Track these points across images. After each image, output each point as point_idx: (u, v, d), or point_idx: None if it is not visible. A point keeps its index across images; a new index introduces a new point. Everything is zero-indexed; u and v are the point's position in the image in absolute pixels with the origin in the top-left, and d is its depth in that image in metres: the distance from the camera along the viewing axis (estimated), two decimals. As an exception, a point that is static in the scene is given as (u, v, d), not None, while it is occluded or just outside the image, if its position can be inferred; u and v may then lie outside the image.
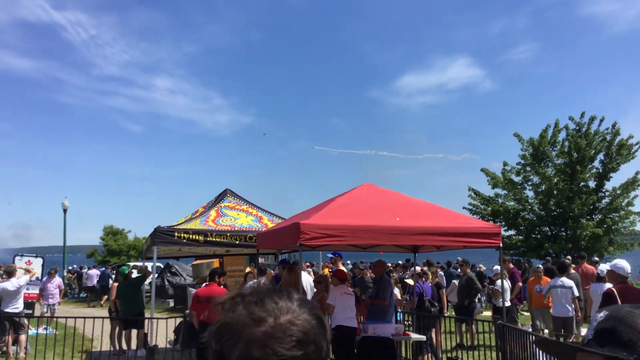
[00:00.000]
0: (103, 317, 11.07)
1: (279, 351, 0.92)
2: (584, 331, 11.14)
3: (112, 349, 12.14)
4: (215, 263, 19.61)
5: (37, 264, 22.48)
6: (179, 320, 12.08)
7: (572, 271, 12.94)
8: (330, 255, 14.45)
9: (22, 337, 11.95)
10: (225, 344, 0.94)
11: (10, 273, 12.12)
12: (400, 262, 22.60)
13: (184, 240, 11.43)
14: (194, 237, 11.46)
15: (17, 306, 11.93)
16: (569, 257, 18.34)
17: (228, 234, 11.70)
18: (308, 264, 19.63)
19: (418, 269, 12.96)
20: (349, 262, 27.44)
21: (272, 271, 18.76)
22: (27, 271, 13.14)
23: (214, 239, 11.58)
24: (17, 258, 21.96)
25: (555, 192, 23.78)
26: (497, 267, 14.96)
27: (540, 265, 11.44)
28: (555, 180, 23.91)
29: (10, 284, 11.75)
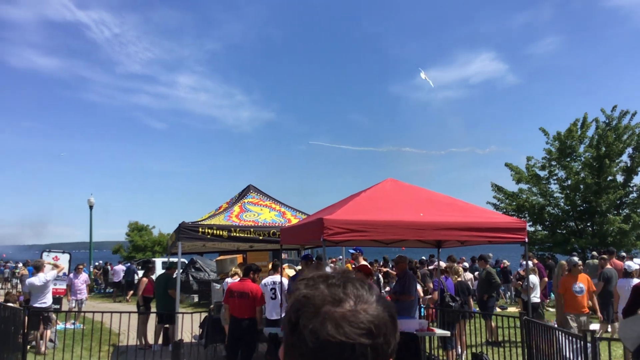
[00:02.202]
0: (130, 312, 11.22)
1: (350, 334, 0.97)
2: (593, 326, 10.93)
3: (138, 343, 12.32)
4: (239, 259, 19.75)
5: (64, 260, 22.88)
6: (203, 315, 12.20)
7: (608, 266, 12.77)
8: (351, 251, 14.46)
9: (47, 332, 12.17)
10: (303, 316, 1.01)
11: (38, 268, 12.34)
12: (423, 257, 22.53)
13: (208, 236, 11.51)
14: (218, 232, 11.54)
15: (45, 301, 12.14)
16: (594, 252, 18.07)
17: (251, 230, 11.76)
18: (334, 259, 19.63)
19: (442, 264, 12.91)
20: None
21: (294, 266, 18.85)
22: (55, 266, 13.38)
23: (237, 235, 11.65)
24: (44, 254, 22.40)
25: (581, 186, 23.42)
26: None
27: (575, 258, 10.86)
28: (582, 174, 23.56)
29: (37, 279, 11.97)
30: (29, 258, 50.35)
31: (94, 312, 11.58)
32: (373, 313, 1.01)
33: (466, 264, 15.60)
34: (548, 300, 16.32)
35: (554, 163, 25.01)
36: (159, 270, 29.18)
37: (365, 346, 0.97)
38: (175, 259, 13.58)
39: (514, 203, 25.27)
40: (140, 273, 28.19)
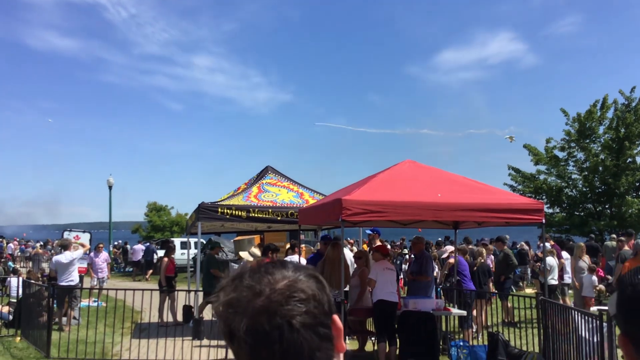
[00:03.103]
0: (151, 290, 11.46)
1: (283, 313, 0.97)
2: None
3: (159, 320, 12.60)
4: (257, 239, 19.97)
5: (85, 239, 23.31)
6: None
7: (626, 248, 12.72)
8: (368, 231, 14.55)
9: (71, 311, 12.48)
10: (232, 321, 0.99)
11: (65, 247, 12.63)
12: (439, 239, 22.59)
13: (227, 216, 11.67)
14: (236, 212, 11.70)
15: (72, 279, 12.44)
16: (613, 235, 17.99)
17: (270, 210, 11.89)
18: (352, 241, 19.75)
19: (448, 247, 12.95)
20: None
21: (310, 247, 19.01)
22: (82, 245, 13.66)
23: (256, 215, 11.79)
24: (65, 233, 22.84)
25: (600, 168, 23.23)
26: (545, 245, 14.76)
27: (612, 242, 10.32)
28: (602, 156, 23.35)
29: (64, 257, 12.26)
30: (49, 237, 51.30)
31: (116, 289, 11.83)
32: (295, 284, 1.01)
33: (491, 247, 15.56)
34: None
35: (573, 145, 24.79)
36: (179, 250, 29.65)
37: (302, 314, 0.98)
38: (216, 239, 13.97)
39: (532, 185, 25.14)
40: (160, 252, 28.66)
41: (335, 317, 1.05)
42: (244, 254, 11.80)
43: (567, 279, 13.40)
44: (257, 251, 11.66)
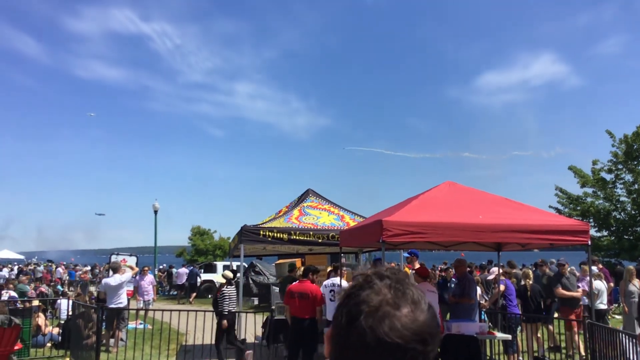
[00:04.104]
0: (197, 311, 11.65)
1: (406, 337, 1.01)
2: None
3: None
4: (298, 262, 20.05)
5: (131, 262, 23.79)
6: (265, 315, 12.50)
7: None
8: (405, 254, 14.44)
9: (119, 331, 12.76)
10: (364, 312, 1.04)
11: (115, 269, 12.99)
12: (483, 262, 22.24)
13: (269, 239, 11.81)
14: (278, 235, 11.83)
15: (121, 301, 12.75)
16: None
17: (311, 233, 11.98)
18: (393, 264, 19.63)
19: (495, 269, 12.73)
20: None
21: (351, 270, 18.96)
22: (131, 268, 14.01)
23: (297, 237, 11.89)
24: (113, 256, 23.40)
25: (650, 190, 22.56)
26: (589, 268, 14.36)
27: None
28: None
29: (113, 280, 12.59)
30: (96, 262, 52.56)
31: (162, 310, 12.07)
32: (427, 321, 1.05)
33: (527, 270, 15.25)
34: (614, 307, 15.81)
35: (620, 166, 24.18)
36: (220, 272, 29.92)
37: (418, 352, 1.02)
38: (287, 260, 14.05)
39: (578, 208, 24.55)
40: (204, 276, 29.05)
41: None
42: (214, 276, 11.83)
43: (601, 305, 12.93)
44: (229, 273, 11.65)
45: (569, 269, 22.18)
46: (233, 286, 11.39)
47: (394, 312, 1.03)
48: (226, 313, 10.95)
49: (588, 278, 10.56)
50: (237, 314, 11.90)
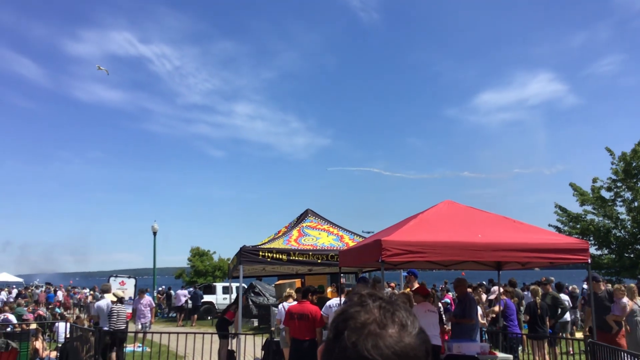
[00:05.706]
0: (194, 333, 11.56)
1: (386, 356, 1.03)
2: None
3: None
4: (297, 283, 19.96)
5: (130, 285, 23.70)
6: (264, 337, 12.40)
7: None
8: (404, 274, 14.37)
9: (113, 355, 12.63)
10: (349, 327, 1.08)
11: (106, 291, 12.92)
12: (483, 282, 22.13)
13: (268, 259, 11.75)
14: (277, 256, 11.77)
15: (120, 325, 12.64)
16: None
17: (310, 253, 11.93)
18: (393, 284, 19.55)
19: (496, 288, 12.68)
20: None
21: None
22: (114, 295, 13.84)
23: (296, 258, 11.84)
24: (111, 279, 23.29)
25: (649, 208, 22.54)
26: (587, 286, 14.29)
27: None
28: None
29: (104, 302, 12.52)
30: (95, 285, 52.28)
31: (160, 332, 11.98)
32: (412, 344, 1.07)
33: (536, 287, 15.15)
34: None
35: (619, 184, 24.20)
36: (219, 293, 29.76)
37: None
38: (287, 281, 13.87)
39: (578, 226, 24.51)
40: (206, 297, 28.92)
41: None
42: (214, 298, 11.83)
43: None
44: (293, 292, 11.61)
45: (570, 287, 22.12)
46: (123, 304, 12.05)
47: (379, 331, 1.06)
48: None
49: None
50: (236, 335, 11.80)
